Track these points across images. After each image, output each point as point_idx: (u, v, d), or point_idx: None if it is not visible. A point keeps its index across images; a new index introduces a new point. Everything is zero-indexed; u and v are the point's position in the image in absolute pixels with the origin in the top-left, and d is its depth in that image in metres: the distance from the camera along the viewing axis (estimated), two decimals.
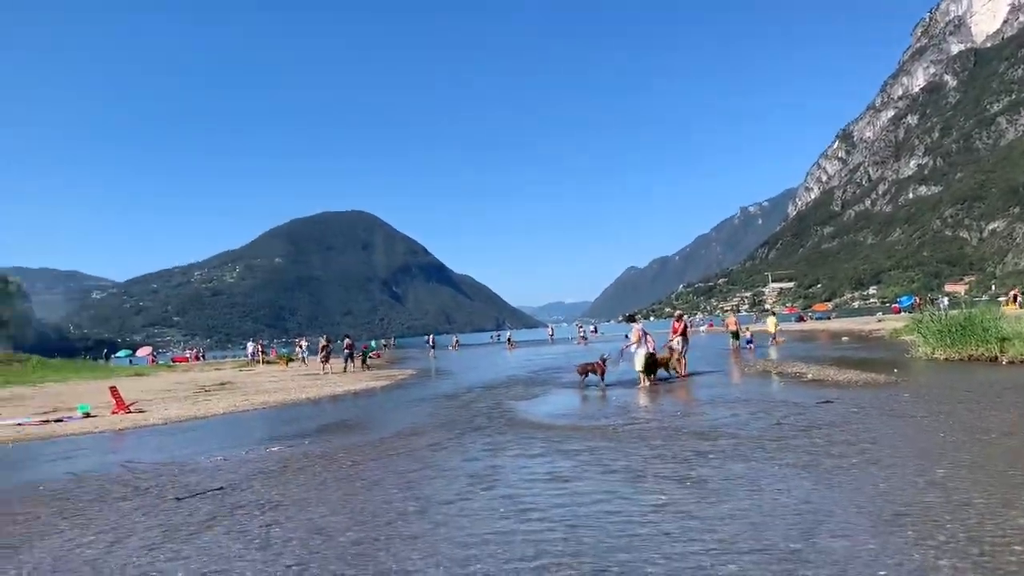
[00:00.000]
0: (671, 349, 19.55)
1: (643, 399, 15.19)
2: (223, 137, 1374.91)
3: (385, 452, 10.30)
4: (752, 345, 33.98)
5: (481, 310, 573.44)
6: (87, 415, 17.53)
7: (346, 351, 35.47)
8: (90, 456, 11.98)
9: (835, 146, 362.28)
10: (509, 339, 65.57)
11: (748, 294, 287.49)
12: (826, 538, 5.08)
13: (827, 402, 12.23)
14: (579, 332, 67.87)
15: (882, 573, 4.39)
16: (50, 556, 5.91)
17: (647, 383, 17.22)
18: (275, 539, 5.99)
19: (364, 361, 37.14)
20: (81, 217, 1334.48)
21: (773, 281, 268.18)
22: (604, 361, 18.08)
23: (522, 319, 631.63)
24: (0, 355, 48.01)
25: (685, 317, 22.03)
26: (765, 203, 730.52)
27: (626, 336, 19.45)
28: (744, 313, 50.64)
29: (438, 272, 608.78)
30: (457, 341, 69.33)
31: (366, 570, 5.04)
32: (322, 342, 35.27)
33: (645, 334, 17.89)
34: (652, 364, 17.62)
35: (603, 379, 17.90)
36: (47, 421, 16.88)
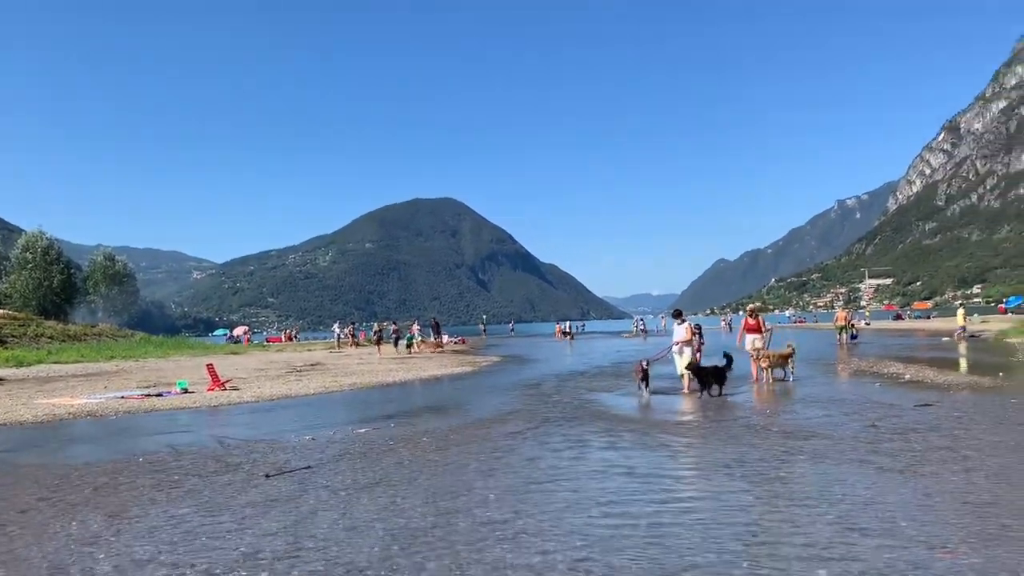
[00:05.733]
0: (758, 351, 17.19)
1: (715, 400, 14.83)
2: (318, 125, 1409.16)
3: (468, 438, 10.36)
4: (857, 341, 33.03)
5: (566, 299, 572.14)
6: (185, 391, 18.23)
7: (394, 335, 39.75)
8: (187, 430, 12.45)
9: (940, 138, 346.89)
10: (563, 330, 64.02)
11: (843, 290, 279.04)
12: (923, 550, 4.83)
13: (926, 405, 11.71)
14: (638, 325, 65.37)
15: None
16: (146, 526, 6.15)
17: (689, 389, 15.20)
18: (359, 520, 6.08)
19: (409, 346, 38.16)
20: (185, 199, 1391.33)
21: (870, 277, 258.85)
22: (647, 364, 15.66)
23: (607, 309, 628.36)
24: (107, 330, 50.73)
25: (761, 315, 19.52)
26: (864, 196, 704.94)
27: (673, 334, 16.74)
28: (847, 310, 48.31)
29: (524, 260, 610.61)
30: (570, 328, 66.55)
31: (445, 555, 5.06)
32: (376, 327, 42.13)
33: (695, 336, 16.24)
34: (700, 371, 14.74)
35: (647, 386, 15.42)
36: (148, 395, 17.63)
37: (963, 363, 20.44)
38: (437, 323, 43.78)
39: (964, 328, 33.77)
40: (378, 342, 39.21)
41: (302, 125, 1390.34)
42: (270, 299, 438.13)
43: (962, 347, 27.71)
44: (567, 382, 19.42)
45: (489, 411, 13.69)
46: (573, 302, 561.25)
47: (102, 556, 5.32)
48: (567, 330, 63.39)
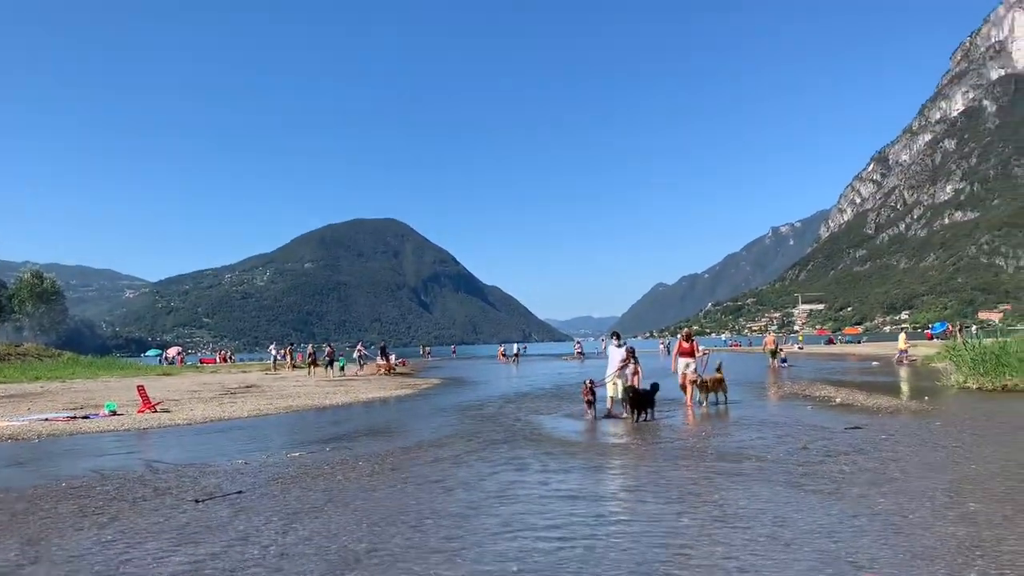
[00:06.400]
0: (685, 375, 17.04)
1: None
2: (258, 141, 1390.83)
3: (405, 462, 10.25)
4: (787, 364, 33.83)
5: (508, 321, 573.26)
6: (114, 413, 17.67)
7: (327, 357, 39.65)
8: (114, 454, 12.04)
9: (870, 168, 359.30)
10: (504, 352, 64.47)
11: (777, 314, 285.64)
12: (850, 571, 4.93)
13: (856, 428, 12.01)
14: (576, 348, 66.71)
15: None
16: (66, 554, 5.91)
17: (626, 413, 14.67)
18: (288, 545, 5.95)
19: (342, 368, 38.60)
20: (116, 216, 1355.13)
21: (803, 303, 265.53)
22: (591, 384, 15.66)
23: (549, 332, 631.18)
24: (33, 350, 48.92)
25: (695, 338, 19.16)
26: (797, 224, 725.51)
27: (606, 355, 16.29)
28: (776, 334, 49.83)
29: (467, 282, 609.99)
30: (516, 354, 65.77)
31: None
32: (309, 349, 44.97)
33: (631, 360, 15.78)
34: (636, 399, 14.29)
35: (593, 407, 15.42)
36: (75, 417, 17.05)
37: (892, 387, 21.04)
38: (384, 347, 43.65)
39: (906, 351, 34.76)
40: (312, 364, 39.69)
41: (241, 141, 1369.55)
42: (205, 319, 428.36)
43: (903, 371, 28.51)
44: (508, 404, 19.40)
45: (428, 434, 13.59)
46: (516, 324, 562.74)
47: None
48: (509, 352, 63.36)
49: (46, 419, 16.73)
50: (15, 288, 78.35)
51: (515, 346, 67.55)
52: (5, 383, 30.37)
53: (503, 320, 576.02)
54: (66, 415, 17.48)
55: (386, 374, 37.75)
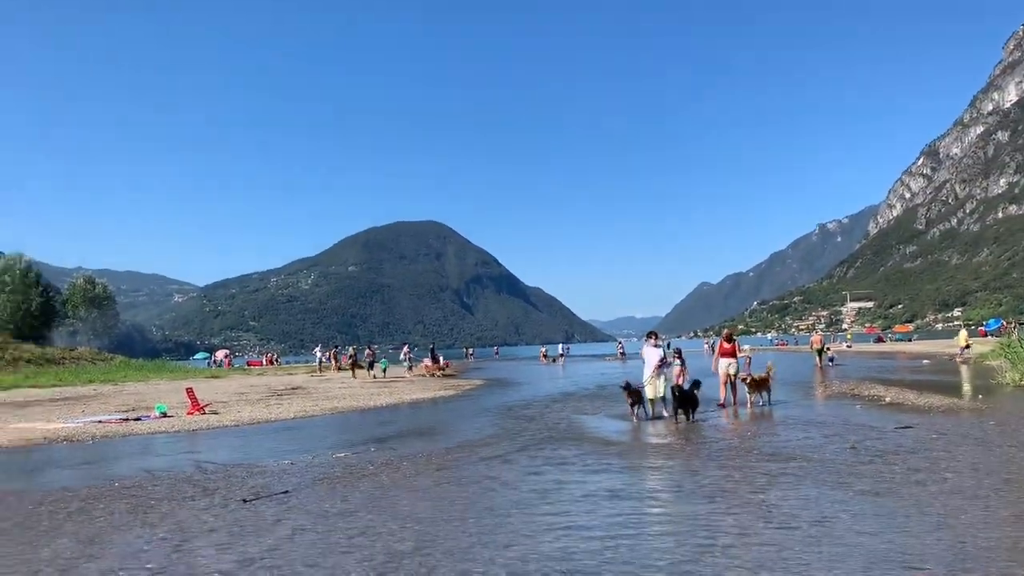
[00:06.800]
0: (727, 375, 16.93)
1: (725, 420, 14.84)
2: (303, 145, 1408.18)
3: (450, 462, 10.31)
4: (834, 363, 33.42)
5: (551, 322, 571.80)
6: (164, 415, 18.06)
7: (368, 359, 39.63)
8: (164, 455, 12.33)
9: (920, 162, 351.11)
10: (545, 353, 64.54)
11: (825, 313, 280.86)
12: (900, 571, 4.83)
13: (906, 427, 11.77)
14: (618, 349, 66.17)
15: None
16: (120, 551, 6.06)
17: (669, 413, 14.68)
18: (334, 544, 6.02)
19: (384, 370, 38.47)
20: (165, 222, 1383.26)
21: (851, 300, 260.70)
22: (630, 386, 15.25)
23: (592, 332, 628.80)
24: (87, 354, 50.21)
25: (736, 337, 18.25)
26: (844, 220, 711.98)
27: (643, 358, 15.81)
28: (823, 333, 49.01)
29: (509, 284, 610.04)
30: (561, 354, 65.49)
31: None
32: (350, 351, 45.33)
33: (676, 360, 16.00)
34: (682, 398, 14.28)
35: (639, 408, 15.00)
36: (127, 419, 17.46)
37: (944, 385, 20.58)
38: (433, 349, 44.15)
39: (968, 347, 33.90)
40: (353, 366, 40.12)
41: (285, 149, 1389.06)
42: (251, 322, 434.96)
43: (956, 369, 27.67)
44: (551, 405, 19.39)
45: (472, 434, 13.65)
46: (558, 325, 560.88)
47: None
48: (550, 353, 63.27)
49: (99, 421, 17.16)
50: (68, 293, 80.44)
51: (559, 347, 67.44)
52: (60, 386, 31.20)
53: (545, 321, 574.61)
54: (118, 417, 17.91)
55: (434, 375, 37.92)
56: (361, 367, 39.63)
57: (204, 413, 18.50)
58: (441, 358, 42.88)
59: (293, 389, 28.67)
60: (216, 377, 40.74)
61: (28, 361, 41.15)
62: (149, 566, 5.61)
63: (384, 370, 37.92)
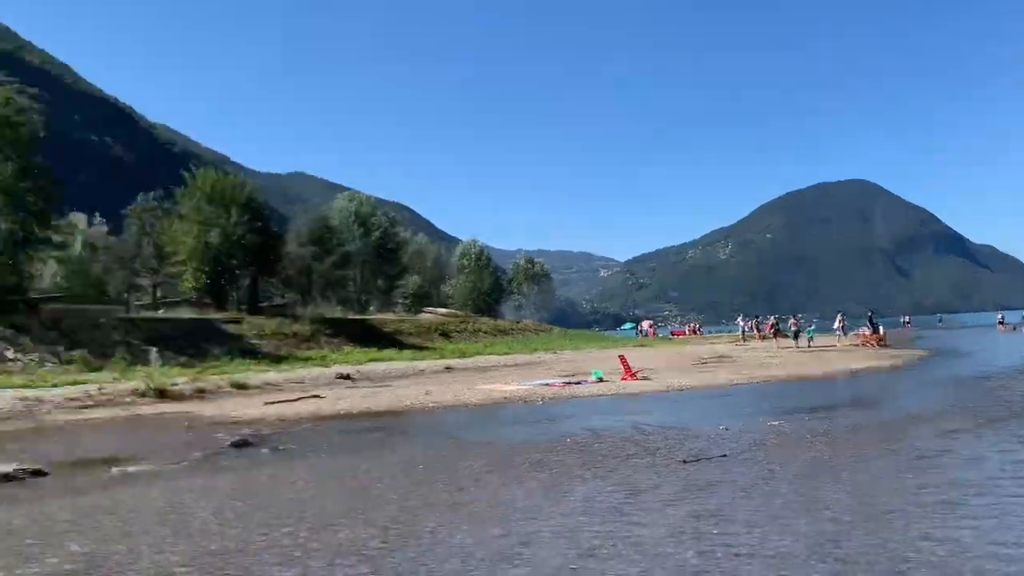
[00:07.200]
0: None
1: None
2: (721, 107, 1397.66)
3: (893, 434, 9.57)
4: None
5: (1008, 285, 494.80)
6: (600, 380, 19.37)
7: (792, 328, 38.09)
8: (605, 415, 13.23)
9: None
10: (1000, 321, 55.88)
11: None
12: None
13: None
14: None
15: None
16: (576, 499, 6.66)
17: None
18: (786, 509, 5.97)
19: (811, 339, 36.72)
20: (591, 203, 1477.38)
21: None
22: None
23: None
24: (530, 326, 56.01)
25: None
26: None
27: None
28: None
29: (952, 243, 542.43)
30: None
31: (879, 553, 4.72)
32: (771, 320, 47.80)
33: None
34: None
35: None
36: (568, 383, 19.07)
37: None
38: (872, 316, 41.42)
39: None
40: (776, 335, 40.56)
41: (696, 118, 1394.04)
42: (672, 293, 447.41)
43: None
44: (1018, 376, 16.95)
45: (916, 407, 12.53)
46: (1017, 288, 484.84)
47: (544, 523, 5.88)
48: (1009, 320, 55.21)
49: (546, 384, 18.99)
50: (512, 273, 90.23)
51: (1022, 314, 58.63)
52: (511, 354, 35.21)
53: (1000, 284, 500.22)
54: (562, 381, 19.63)
55: (870, 345, 35.23)
56: (785, 336, 38.42)
57: (636, 379, 19.49)
58: (881, 327, 39.56)
59: (719, 358, 28.88)
60: (643, 346, 42.81)
61: (484, 332, 46.98)
62: (603, 514, 6.08)
63: (810, 339, 36.32)
